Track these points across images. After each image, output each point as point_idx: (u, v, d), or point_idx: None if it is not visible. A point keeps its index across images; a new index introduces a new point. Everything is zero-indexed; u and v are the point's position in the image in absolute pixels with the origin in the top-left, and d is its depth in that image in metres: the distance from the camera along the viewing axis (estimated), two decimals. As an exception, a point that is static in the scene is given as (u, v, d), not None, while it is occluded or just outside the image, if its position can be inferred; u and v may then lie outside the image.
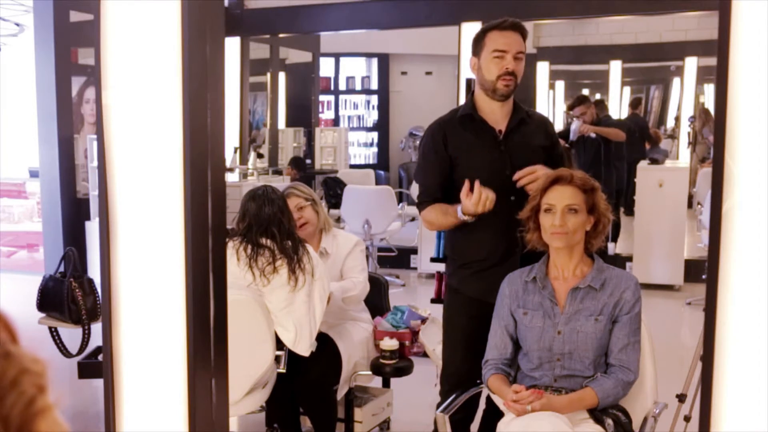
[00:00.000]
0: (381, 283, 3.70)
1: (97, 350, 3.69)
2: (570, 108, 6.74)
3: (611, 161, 6.74)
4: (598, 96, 10.75)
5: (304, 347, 2.97)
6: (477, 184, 2.51)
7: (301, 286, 2.94)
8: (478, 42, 2.68)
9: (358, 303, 3.42)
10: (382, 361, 3.27)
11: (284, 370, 3.00)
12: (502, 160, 2.67)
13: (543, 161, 2.65)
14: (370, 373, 3.35)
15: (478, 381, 2.60)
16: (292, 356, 3.00)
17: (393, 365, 3.25)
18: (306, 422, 3.32)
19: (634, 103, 9.75)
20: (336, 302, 3.21)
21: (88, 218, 6.72)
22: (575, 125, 6.36)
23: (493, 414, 2.60)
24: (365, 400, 3.48)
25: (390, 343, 3.24)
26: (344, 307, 3.32)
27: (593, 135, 6.26)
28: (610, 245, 6.75)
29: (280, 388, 3.09)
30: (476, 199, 2.50)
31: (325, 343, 3.18)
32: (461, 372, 2.76)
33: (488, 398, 2.73)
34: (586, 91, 10.93)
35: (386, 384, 3.67)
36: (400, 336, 3.31)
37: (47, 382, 0.66)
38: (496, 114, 2.71)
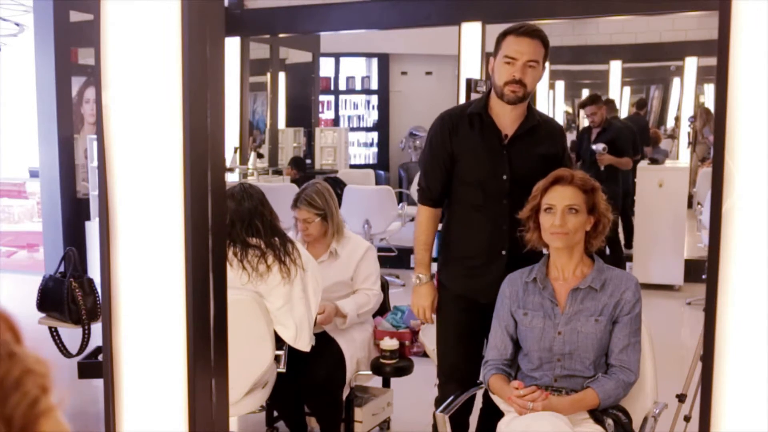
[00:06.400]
0: (381, 283, 3.70)
1: (97, 350, 3.69)
2: (582, 106, 6.76)
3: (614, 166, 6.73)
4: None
5: (304, 343, 2.96)
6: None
7: (294, 276, 2.92)
8: (497, 44, 2.66)
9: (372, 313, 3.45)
10: (382, 361, 3.27)
11: (284, 370, 2.99)
12: (501, 164, 2.67)
13: (543, 170, 2.63)
14: (370, 372, 3.35)
15: (478, 381, 2.61)
16: (293, 356, 3.00)
17: (393, 365, 3.26)
18: (309, 422, 3.32)
19: (639, 104, 9.74)
20: (352, 320, 3.26)
21: (88, 218, 6.71)
22: (597, 148, 6.37)
23: (492, 413, 2.60)
24: (365, 400, 3.48)
25: (390, 343, 3.24)
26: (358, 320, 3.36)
27: (600, 148, 6.28)
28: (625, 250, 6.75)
29: (283, 388, 3.09)
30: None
31: (326, 343, 3.18)
32: (455, 364, 2.78)
33: (486, 397, 2.74)
34: (585, 91, 10.93)
35: (386, 384, 3.67)
36: (400, 336, 3.31)
37: (51, 383, 0.66)
38: (506, 117, 2.69)
